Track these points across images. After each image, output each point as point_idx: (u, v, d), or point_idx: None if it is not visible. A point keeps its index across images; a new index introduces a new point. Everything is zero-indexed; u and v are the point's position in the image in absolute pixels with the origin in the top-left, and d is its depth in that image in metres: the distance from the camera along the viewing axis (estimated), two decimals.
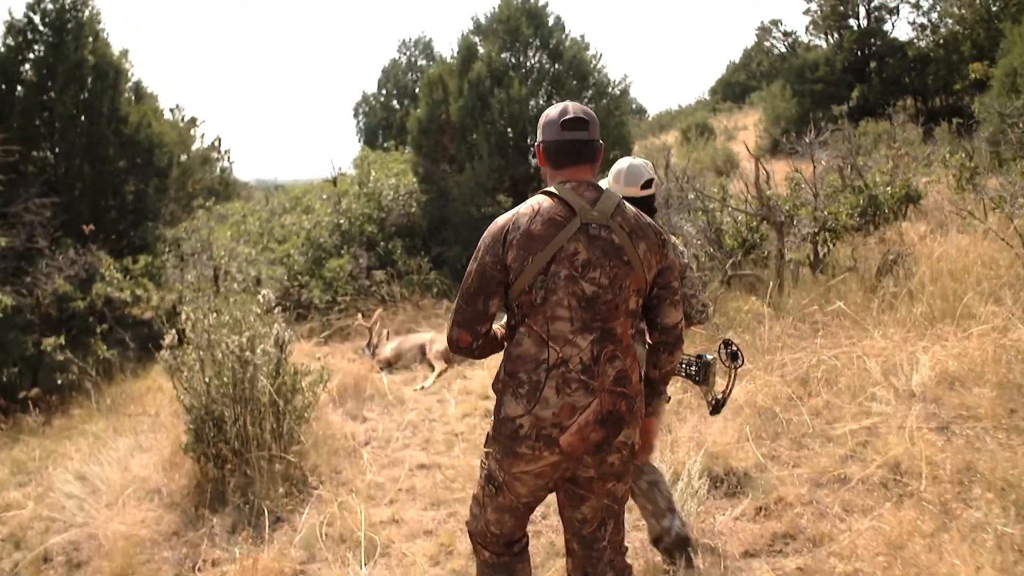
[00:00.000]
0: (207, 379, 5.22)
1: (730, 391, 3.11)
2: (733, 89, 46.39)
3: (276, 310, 5.89)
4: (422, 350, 8.49)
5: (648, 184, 3.38)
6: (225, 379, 5.22)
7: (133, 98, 13.82)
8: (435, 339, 8.55)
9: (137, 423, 8.03)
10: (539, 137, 2.45)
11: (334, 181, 15.06)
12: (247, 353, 5.20)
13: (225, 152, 21.08)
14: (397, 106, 21.77)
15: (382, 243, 12.05)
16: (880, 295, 7.19)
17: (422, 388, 7.61)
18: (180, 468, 5.43)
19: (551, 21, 13.27)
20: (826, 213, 9.02)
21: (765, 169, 9.53)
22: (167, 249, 12.58)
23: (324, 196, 14.02)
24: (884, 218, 10.32)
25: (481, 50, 12.85)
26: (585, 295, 2.24)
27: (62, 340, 9.42)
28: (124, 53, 13.79)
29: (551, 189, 2.32)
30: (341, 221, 12.77)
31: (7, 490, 6.48)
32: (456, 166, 12.60)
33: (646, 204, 3.35)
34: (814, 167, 9.82)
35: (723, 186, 11.78)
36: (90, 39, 12.93)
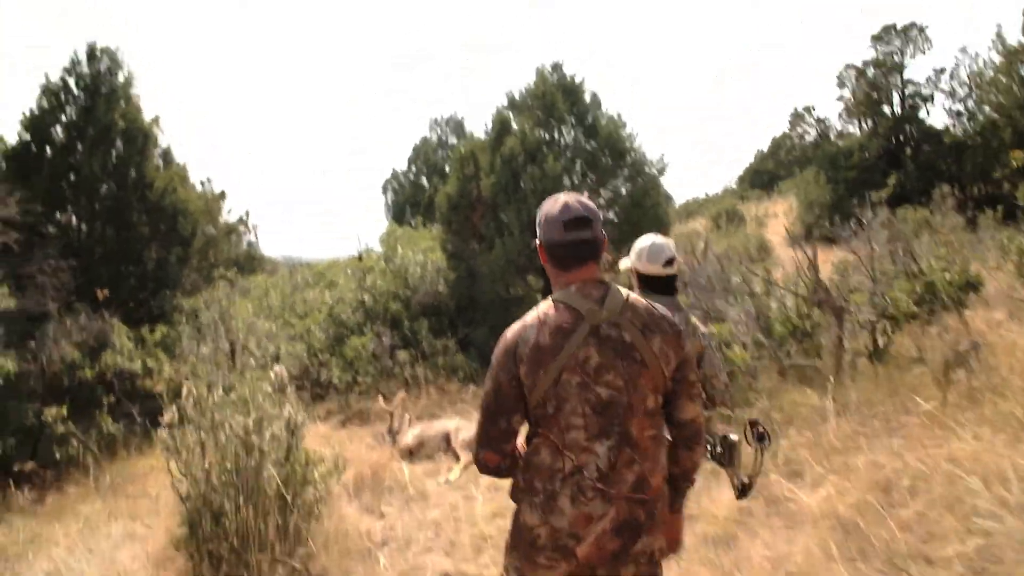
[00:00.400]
0: (207, 464, 4.60)
1: (757, 474, 2.95)
2: (761, 177, 46.33)
3: (290, 389, 5.28)
4: (447, 439, 7.82)
5: (670, 262, 3.32)
6: (228, 465, 4.60)
7: (161, 164, 13.62)
8: (461, 427, 7.89)
9: (135, 506, 7.38)
10: (539, 235, 2.34)
11: (360, 257, 14.66)
12: (253, 437, 4.58)
13: (253, 227, 20.97)
14: (426, 184, 21.61)
15: (407, 322, 11.51)
16: (956, 390, 6.47)
17: (447, 481, 6.91)
18: (172, 565, 4.77)
19: (587, 97, 13.01)
20: (886, 299, 8.39)
21: (807, 254, 9.01)
22: (184, 320, 12.12)
23: (348, 271, 13.59)
24: (943, 306, 9.64)
25: (515, 126, 12.56)
26: (601, 400, 2.18)
27: (64, 411, 8.88)
28: (155, 120, 13.70)
29: (556, 296, 2.25)
30: (365, 298, 12.28)
31: None
32: (486, 244, 12.15)
33: (668, 282, 3.33)
34: (872, 249, 9.22)
35: (767, 269, 11.19)
36: (122, 102, 12.82)
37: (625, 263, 3.54)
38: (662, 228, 12.36)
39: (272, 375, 5.08)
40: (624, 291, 2.27)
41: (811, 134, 27.53)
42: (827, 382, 7.17)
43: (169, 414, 4.86)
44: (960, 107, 24.33)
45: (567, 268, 2.28)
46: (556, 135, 12.62)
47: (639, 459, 2.20)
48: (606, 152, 12.23)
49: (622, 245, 12.30)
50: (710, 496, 5.16)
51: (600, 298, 2.21)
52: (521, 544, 2.26)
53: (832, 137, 27.16)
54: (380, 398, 9.06)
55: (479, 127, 68.13)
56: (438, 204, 12.63)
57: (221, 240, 15.88)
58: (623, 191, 12.13)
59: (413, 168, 22.11)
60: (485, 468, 2.34)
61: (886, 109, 25.78)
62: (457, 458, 7.49)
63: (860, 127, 26.91)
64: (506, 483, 6.36)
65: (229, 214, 18.22)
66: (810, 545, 4.27)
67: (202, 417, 4.78)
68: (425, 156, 21.80)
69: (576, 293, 2.22)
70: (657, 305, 2.32)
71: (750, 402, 7.00)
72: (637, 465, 2.20)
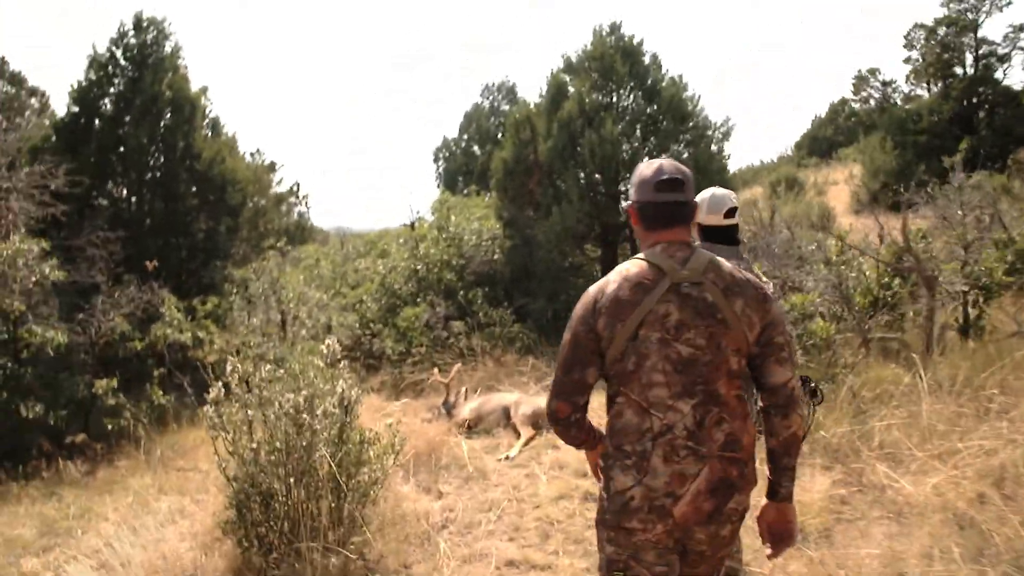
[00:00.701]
0: (255, 444, 4.28)
1: (808, 432, 2.84)
2: (820, 144, 44.74)
3: (343, 363, 4.92)
4: (506, 413, 7.44)
5: (731, 213, 3.31)
6: (277, 445, 4.27)
7: (209, 134, 13.40)
8: (521, 401, 7.51)
9: (185, 481, 7.19)
10: (632, 196, 2.36)
11: (412, 225, 14.33)
12: (304, 415, 4.24)
13: (303, 197, 20.74)
14: (478, 152, 21.13)
15: (461, 292, 11.14)
16: None
17: (507, 458, 6.54)
18: (220, 548, 4.49)
19: (647, 59, 12.39)
20: (980, 268, 7.74)
21: (878, 220, 8.37)
22: (234, 291, 11.93)
23: (400, 241, 13.26)
24: None
25: (571, 89, 12.02)
26: (681, 358, 2.16)
27: (115, 383, 8.72)
28: (203, 90, 13.47)
29: (640, 256, 2.26)
30: (418, 267, 11.94)
31: (29, 555, 5.67)
32: (542, 211, 11.71)
33: (729, 233, 3.33)
34: (963, 214, 8.54)
35: (840, 237, 10.54)
36: (169, 74, 12.59)
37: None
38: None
39: (324, 348, 4.72)
40: (709, 255, 2.25)
41: (876, 98, 26.30)
42: (915, 357, 6.61)
43: (215, 390, 4.54)
44: None
45: (655, 229, 2.28)
46: (615, 98, 12.05)
47: (728, 418, 2.17)
48: (669, 116, 11.62)
49: None
50: (801, 484, 4.69)
51: (684, 259, 2.21)
52: (612, 511, 2.22)
53: (899, 101, 25.93)
54: (435, 370, 8.73)
55: (533, 91, 67.20)
56: (493, 170, 12.18)
57: (271, 210, 15.67)
58: (685, 155, 11.51)
59: (465, 136, 21.65)
60: (556, 420, 2.32)
61: (958, 71, 24.45)
62: (517, 434, 7.12)
63: (929, 90, 25.61)
64: (570, 459, 5.87)
65: (279, 185, 18.08)
66: (923, 541, 3.78)
67: (249, 394, 4.45)
68: (477, 123, 21.29)
69: (661, 253, 2.22)
70: (742, 271, 2.29)
71: (835, 378, 6.48)
72: (726, 424, 2.17)
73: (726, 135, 12.15)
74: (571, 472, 6.02)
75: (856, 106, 28.96)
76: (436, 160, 22.14)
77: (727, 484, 2.17)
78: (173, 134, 12.30)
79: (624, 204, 2.43)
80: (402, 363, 10.36)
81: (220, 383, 4.49)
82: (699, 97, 12.09)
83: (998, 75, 23.65)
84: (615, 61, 11.93)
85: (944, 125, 23.14)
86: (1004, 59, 24.07)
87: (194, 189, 12.41)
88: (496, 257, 11.47)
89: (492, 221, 11.78)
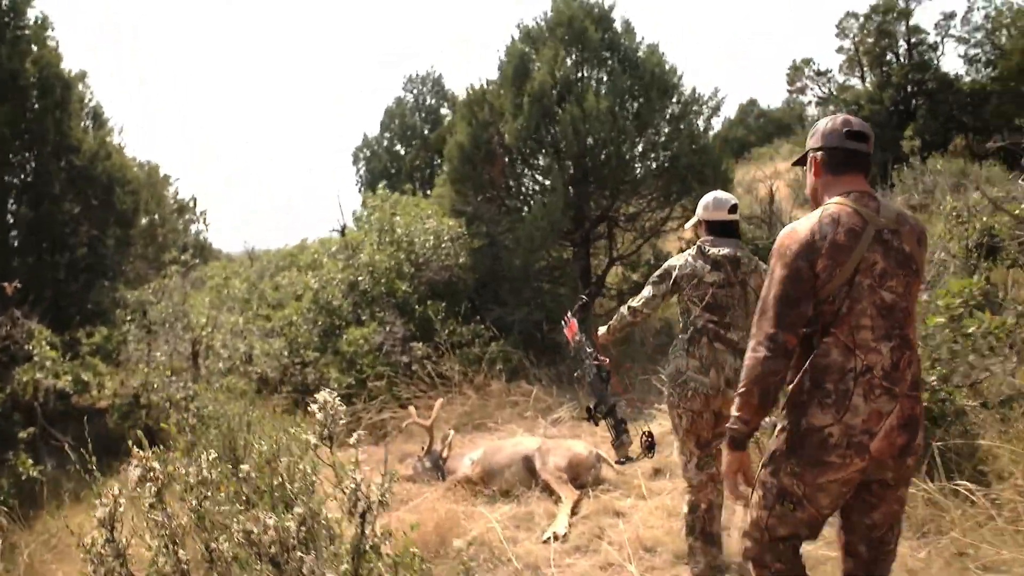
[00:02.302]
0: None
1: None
2: (731, 145, 44.25)
3: (325, 407, 2.83)
4: (527, 466, 5.41)
5: (733, 209, 3.70)
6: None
7: (91, 126, 10.84)
8: (547, 448, 5.49)
9: None
10: (816, 145, 2.48)
11: (342, 231, 12.11)
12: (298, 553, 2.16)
13: (201, 214, 17.81)
14: (402, 150, 18.87)
15: (417, 306, 9.03)
16: None
17: (555, 537, 4.52)
18: None
19: (618, 26, 10.62)
20: None
21: None
22: (128, 317, 9.46)
23: (333, 249, 11.02)
24: None
25: (536, 64, 10.09)
26: (884, 304, 2.29)
27: None
28: (81, 75, 10.92)
29: (839, 200, 2.36)
30: (359, 278, 9.75)
31: None
32: (513, 203, 9.77)
33: (732, 227, 3.69)
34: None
35: None
36: (33, 47, 10.02)
37: (690, 223, 3.92)
38: (724, 177, 10.09)
39: (315, 409, 2.64)
40: (896, 205, 2.47)
41: (811, 88, 25.54)
42: None
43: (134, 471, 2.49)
44: (977, 52, 22.53)
45: (841, 173, 2.42)
46: (588, 69, 10.21)
47: (915, 360, 2.34)
48: (653, 88, 9.83)
49: (683, 196, 9.97)
50: None
51: (876, 208, 2.34)
52: (807, 446, 2.30)
53: (833, 91, 25.20)
54: (411, 409, 6.61)
55: (459, 85, 64.84)
56: (447, 157, 10.12)
57: (170, 220, 13.10)
58: (668, 131, 9.78)
59: (387, 134, 19.31)
60: (784, 351, 2.30)
61: (891, 59, 23.90)
62: (551, 494, 5.12)
63: (863, 79, 24.99)
64: (653, 533, 3.85)
65: (176, 196, 15.38)
66: None
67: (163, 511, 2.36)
68: (400, 119, 19.01)
69: (856, 200, 2.34)
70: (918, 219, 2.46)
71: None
72: (914, 365, 2.33)
73: (716, 109, 10.50)
74: (668, 555, 4.06)
75: (798, 96, 28.07)
76: (356, 161, 19.75)
77: (914, 421, 2.31)
78: (41, 122, 9.72)
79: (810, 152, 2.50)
80: (354, 399, 8.16)
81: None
82: (680, 69, 10.39)
83: (935, 62, 23.14)
84: (586, 26, 10.09)
85: (885, 114, 22.44)
86: (934, 47, 23.65)
87: (72, 190, 9.86)
88: (461, 261, 9.40)
89: (449, 219, 9.70)
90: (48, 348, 7.28)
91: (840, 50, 24.90)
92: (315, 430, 2.70)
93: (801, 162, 2.57)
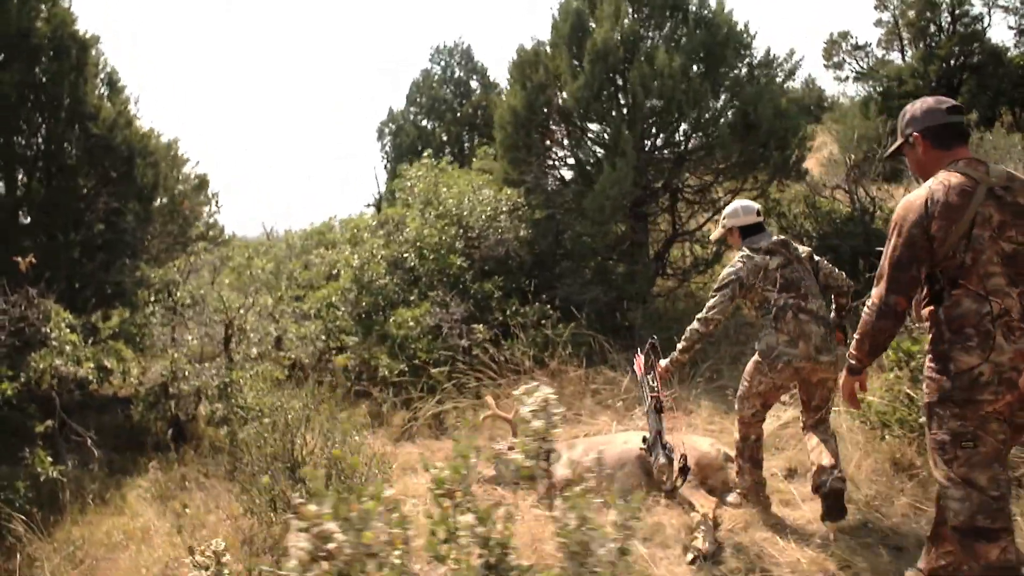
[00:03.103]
0: None
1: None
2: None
3: None
4: (644, 467, 4.53)
5: (759, 212, 4.24)
6: None
7: (107, 92, 9.96)
8: (608, 445, 4.65)
9: None
10: (919, 126, 2.71)
11: (378, 205, 11.23)
12: None
13: (213, 196, 16.78)
14: (428, 125, 17.84)
15: (474, 285, 8.15)
16: None
17: (702, 557, 3.66)
18: None
19: None
20: None
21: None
22: (151, 299, 8.61)
23: (373, 223, 10.15)
24: None
25: (594, 22, 9.14)
26: (1006, 252, 2.51)
27: None
28: (95, 39, 10.02)
29: (950, 168, 2.60)
30: (406, 254, 8.88)
31: None
32: (571, 173, 8.88)
33: (760, 226, 4.19)
34: None
35: None
36: (43, 5, 9.14)
37: (715, 233, 4.42)
38: (802, 143, 9.16)
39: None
40: (1003, 167, 2.65)
41: (848, 62, 24.42)
42: None
43: None
44: None
45: (950, 147, 2.67)
46: (651, 28, 9.25)
47: None
48: (728, 45, 8.88)
49: (759, 164, 9.03)
50: None
51: (986, 170, 2.58)
52: (958, 389, 2.50)
53: (870, 66, 24.15)
54: (489, 400, 5.73)
55: (492, 58, 62.80)
56: (499, 124, 9.18)
57: (189, 194, 12.20)
58: (751, 91, 8.84)
59: (412, 109, 18.28)
60: (894, 313, 2.62)
61: (934, 32, 22.85)
62: (683, 504, 4.24)
63: (902, 54, 23.95)
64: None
65: (197, 174, 14.44)
66: None
67: None
68: (428, 92, 17.96)
69: (965, 166, 2.59)
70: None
71: None
72: None
73: (791, 72, 9.55)
74: None
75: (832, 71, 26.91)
76: (381, 137, 18.70)
77: None
78: (56, 86, 8.85)
79: (908, 135, 2.74)
80: (405, 388, 7.30)
81: None
82: (748, 24, 9.41)
83: (985, 34, 22.08)
84: None
85: (930, 89, 21.41)
86: (980, 19, 22.59)
87: (89, 161, 8.98)
88: (521, 234, 8.49)
89: (505, 189, 8.78)
90: (68, 331, 6.42)
91: (879, 23, 23.87)
92: None
93: (897, 152, 2.84)
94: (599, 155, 8.77)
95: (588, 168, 8.78)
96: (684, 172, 9.15)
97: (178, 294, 8.49)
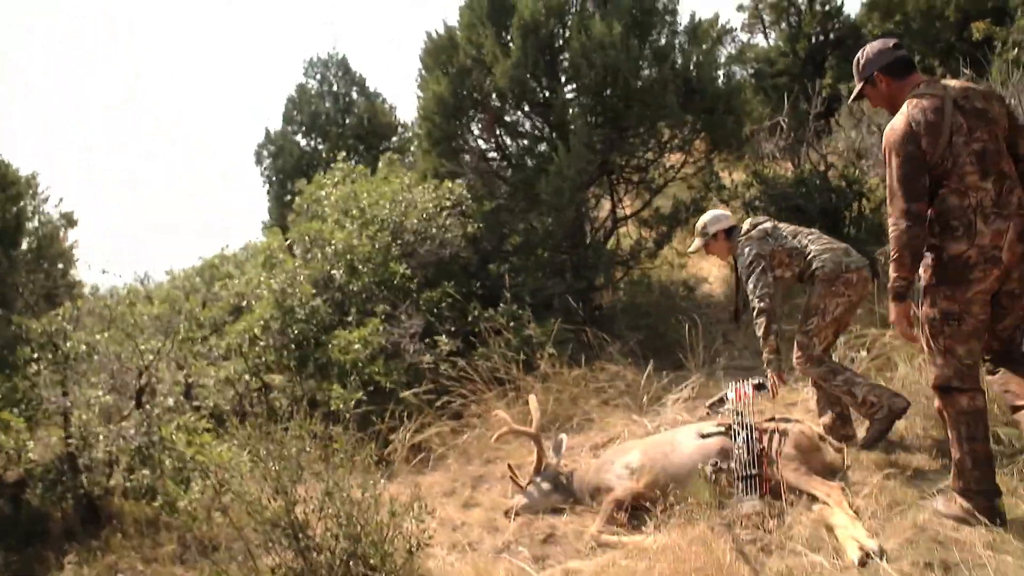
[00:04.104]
0: None
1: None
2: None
3: None
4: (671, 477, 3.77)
5: (727, 219, 4.62)
6: None
7: None
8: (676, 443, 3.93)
9: None
10: (876, 65, 3.19)
11: (283, 226, 10.07)
12: None
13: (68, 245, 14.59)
14: (304, 144, 16.50)
15: (422, 294, 7.20)
16: None
17: (866, 555, 2.91)
18: None
19: None
20: None
21: None
22: (35, 355, 7.14)
23: (285, 243, 9.00)
24: None
25: None
26: (976, 152, 2.95)
27: None
28: None
29: (913, 93, 3.05)
30: (334, 271, 7.82)
31: None
32: (517, 158, 8.07)
33: (737, 228, 4.51)
34: None
35: None
36: None
37: (695, 245, 4.70)
38: (747, 108, 8.76)
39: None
40: (956, 83, 3.10)
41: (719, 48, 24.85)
42: None
43: None
44: None
45: (905, 75, 3.15)
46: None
47: (1016, 188, 2.98)
48: (654, 13, 8.34)
49: (705, 131, 8.52)
50: None
51: (943, 87, 3.04)
52: (951, 273, 2.99)
53: (739, 49, 24.71)
54: (501, 415, 4.80)
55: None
56: (423, 116, 8.23)
57: (56, 242, 10.56)
58: (695, 60, 8.33)
59: (291, 127, 16.86)
60: (916, 217, 2.95)
61: (793, 13, 23.51)
62: (790, 490, 3.49)
63: (765, 35, 24.54)
64: None
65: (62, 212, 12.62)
66: None
67: None
68: (308, 108, 16.57)
69: (927, 87, 3.05)
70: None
71: None
72: (1017, 190, 2.98)
73: (719, 37, 9.15)
74: None
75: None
76: (259, 161, 17.13)
77: None
78: None
79: (864, 78, 3.26)
80: (371, 418, 6.25)
81: None
82: None
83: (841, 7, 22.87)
84: None
85: (800, 66, 22.01)
86: None
87: None
88: (468, 230, 7.58)
89: (447, 182, 7.84)
90: None
91: (741, 8, 24.37)
92: None
93: (859, 96, 3.37)
94: (543, 135, 8.01)
95: (535, 150, 8.01)
96: (625, 148, 8.50)
97: (67, 345, 7.08)
